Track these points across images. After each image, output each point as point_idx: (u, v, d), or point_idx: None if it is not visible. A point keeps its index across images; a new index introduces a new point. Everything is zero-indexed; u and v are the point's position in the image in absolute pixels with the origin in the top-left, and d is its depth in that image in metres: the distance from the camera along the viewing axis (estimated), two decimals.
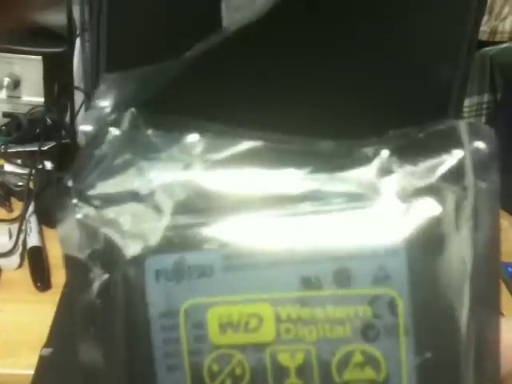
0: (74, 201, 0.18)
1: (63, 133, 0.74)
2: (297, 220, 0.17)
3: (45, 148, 0.72)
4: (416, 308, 0.17)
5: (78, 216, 0.18)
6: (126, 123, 0.19)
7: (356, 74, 0.58)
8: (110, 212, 0.18)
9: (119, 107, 0.19)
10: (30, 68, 0.78)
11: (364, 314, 0.17)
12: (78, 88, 0.72)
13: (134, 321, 0.18)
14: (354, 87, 0.58)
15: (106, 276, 0.18)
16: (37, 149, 0.71)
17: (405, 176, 0.17)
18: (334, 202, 0.17)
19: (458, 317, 0.17)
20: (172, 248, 0.17)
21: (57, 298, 0.53)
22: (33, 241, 0.62)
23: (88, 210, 0.18)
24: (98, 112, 0.19)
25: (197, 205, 0.18)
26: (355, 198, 0.17)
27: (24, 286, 0.57)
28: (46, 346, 0.46)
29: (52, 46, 0.78)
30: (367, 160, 0.18)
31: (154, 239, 0.17)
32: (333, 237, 0.17)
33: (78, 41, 0.74)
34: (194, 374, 0.17)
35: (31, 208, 0.66)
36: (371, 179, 0.18)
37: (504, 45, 1.04)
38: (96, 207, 0.18)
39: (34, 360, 0.45)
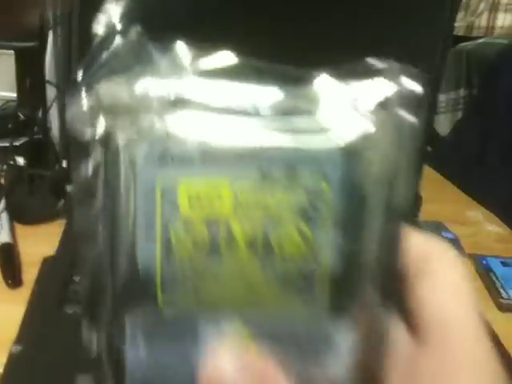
0: (83, 90, 0.21)
1: (35, 128, 0.73)
2: (262, 124, 0.21)
3: (17, 144, 0.71)
4: (342, 202, 0.21)
5: (85, 103, 0.21)
6: (132, 35, 0.22)
7: None
8: (113, 105, 0.21)
9: (126, 16, 0.23)
10: (2, 63, 0.77)
11: (303, 202, 0.21)
12: (50, 82, 0.71)
13: (123, 195, 0.21)
14: None
15: (102, 157, 0.21)
16: (8, 144, 0.70)
17: (345, 95, 0.22)
18: (292, 112, 0.21)
19: (373, 214, 0.22)
20: (160, 140, 0.21)
21: (28, 295, 0.52)
22: (4, 237, 0.61)
23: (93, 100, 0.21)
24: (108, 17, 0.23)
25: (183, 106, 0.21)
26: (306, 111, 0.21)
27: None
28: (16, 343, 0.46)
29: (24, 40, 0.77)
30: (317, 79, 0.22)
31: (146, 131, 0.21)
32: (287, 140, 0.21)
33: (50, 35, 0.73)
34: (164, 240, 0.21)
35: (2, 204, 0.65)
36: (321, 95, 0.22)
37: (480, 40, 1.05)
38: (101, 99, 0.21)
39: (3, 358, 0.44)
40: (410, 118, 0.22)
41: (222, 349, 0.22)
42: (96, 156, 0.22)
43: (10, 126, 0.73)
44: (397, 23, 0.65)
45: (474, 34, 1.11)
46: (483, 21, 1.11)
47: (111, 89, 0.22)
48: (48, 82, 0.71)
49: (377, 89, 0.22)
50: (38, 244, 0.60)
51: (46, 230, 0.64)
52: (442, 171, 0.92)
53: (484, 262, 0.68)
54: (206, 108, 0.22)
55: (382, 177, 0.22)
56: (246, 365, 0.21)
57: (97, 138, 0.21)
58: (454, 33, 1.06)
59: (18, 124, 0.73)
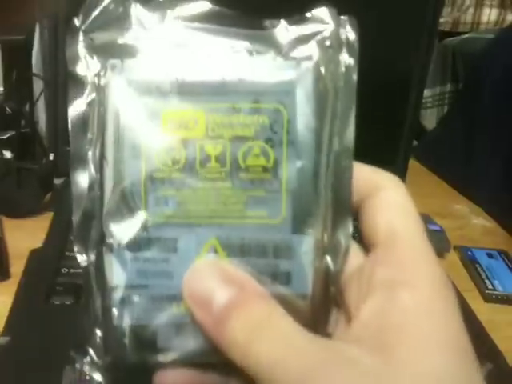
0: (80, 36, 0.25)
1: (22, 122, 0.73)
2: (231, 62, 0.25)
3: (4, 137, 0.71)
4: (296, 125, 0.25)
5: (82, 47, 0.25)
6: None
7: None
8: (104, 49, 0.25)
9: None
10: None
11: (264, 126, 0.25)
12: (37, 75, 0.71)
13: (111, 121, 0.25)
14: None
15: (95, 92, 0.25)
16: None
17: (298, 38, 0.26)
18: (257, 52, 0.25)
19: (322, 141, 0.25)
20: (144, 76, 0.25)
21: (15, 287, 0.52)
22: None
23: (88, 42, 0.25)
24: None
25: (164, 48, 0.25)
26: (268, 51, 0.26)
27: None
28: (3, 334, 0.45)
29: (11, 33, 0.76)
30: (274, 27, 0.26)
31: (132, 69, 0.25)
32: (253, 75, 0.25)
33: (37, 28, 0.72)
34: (148, 160, 0.24)
35: None
36: (277, 40, 0.26)
37: (466, 35, 1.05)
38: (95, 43, 0.25)
39: None
40: (347, 58, 0.26)
41: (203, 262, 0.24)
42: (90, 91, 0.25)
43: None
44: (381, 17, 0.66)
45: (460, 29, 1.12)
46: (469, 16, 1.12)
47: (104, 35, 0.25)
48: (35, 75, 0.70)
49: (323, 33, 0.26)
50: (26, 237, 0.60)
51: (34, 222, 0.64)
52: (429, 165, 0.93)
53: (469, 253, 0.68)
54: (185, 48, 0.25)
55: (328, 105, 0.26)
56: (226, 277, 0.23)
57: (90, 75, 0.25)
58: (440, 28, 1.07)
59: (4, 117, 0.72)
